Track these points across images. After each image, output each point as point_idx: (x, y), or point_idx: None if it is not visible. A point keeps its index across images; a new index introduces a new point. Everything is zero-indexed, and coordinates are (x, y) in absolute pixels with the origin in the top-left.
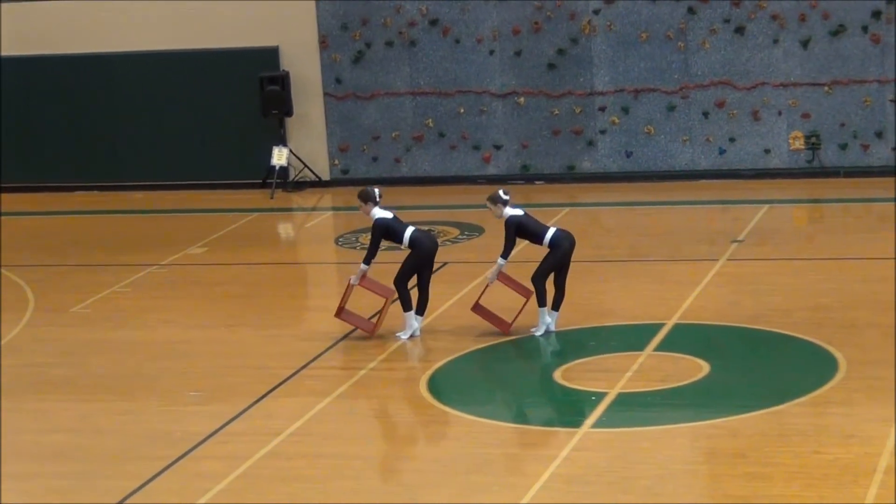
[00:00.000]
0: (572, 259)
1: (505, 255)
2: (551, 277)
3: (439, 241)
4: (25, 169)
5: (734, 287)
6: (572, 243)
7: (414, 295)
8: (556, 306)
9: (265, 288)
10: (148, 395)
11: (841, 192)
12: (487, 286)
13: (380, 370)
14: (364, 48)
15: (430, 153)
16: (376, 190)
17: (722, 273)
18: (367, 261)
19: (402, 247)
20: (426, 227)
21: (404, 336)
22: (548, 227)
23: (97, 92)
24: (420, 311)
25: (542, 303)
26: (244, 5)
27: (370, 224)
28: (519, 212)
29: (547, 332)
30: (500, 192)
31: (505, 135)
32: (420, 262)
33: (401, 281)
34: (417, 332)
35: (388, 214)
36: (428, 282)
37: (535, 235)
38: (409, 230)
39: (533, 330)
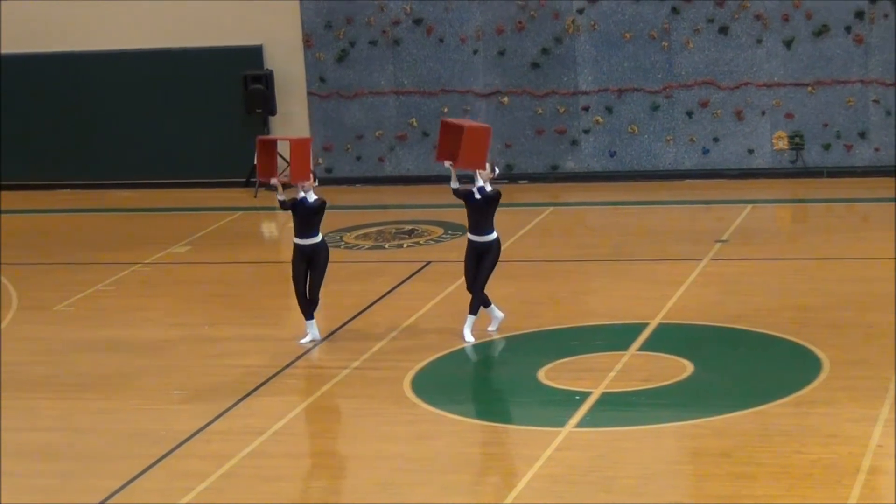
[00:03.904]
0: (558, 258)
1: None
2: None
3: (422, 240)
4: (8, 167)
5: (718, 287)
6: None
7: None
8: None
9: (249, 287)
10: (131, 393)
11: (824, 193)
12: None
13: (363, 369)
14: (348, 47)
15: (413, 152)
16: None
17: (706, 273)
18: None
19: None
20: (409, 227)
21: (305, 340)
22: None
23: (81, 90)
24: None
25: (488, 303)
26: (228, 4)
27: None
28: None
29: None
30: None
31: None
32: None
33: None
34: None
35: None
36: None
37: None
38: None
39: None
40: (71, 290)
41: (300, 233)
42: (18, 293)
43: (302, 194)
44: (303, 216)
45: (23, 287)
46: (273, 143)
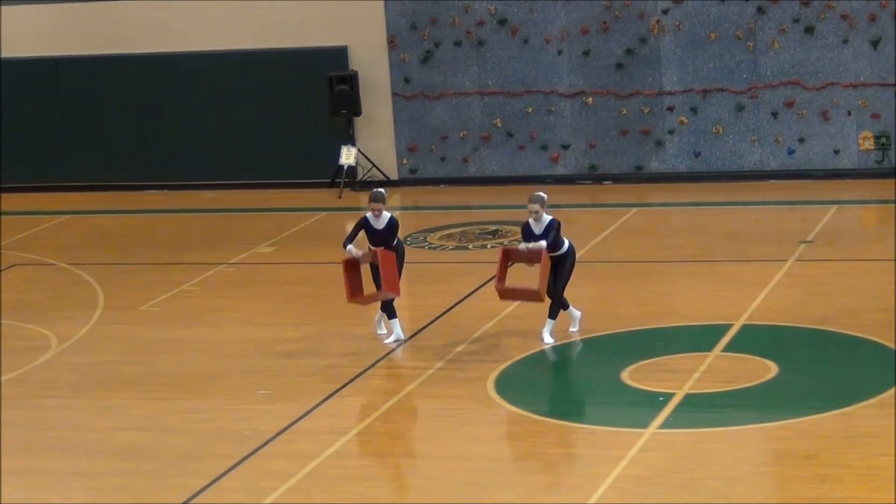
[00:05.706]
0: (642, 259)
1: (550, 249)
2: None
3: (506, 241)
4: (95, 168)
5: (803, 288)
6: None
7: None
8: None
9: (333, 287)
10: (216, 393)
11: None
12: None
13: (447, 370)
14: (432, 48)
15: (497, 153)
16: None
17: (790, 274)
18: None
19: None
20: (493, 228)
21: (389, 340)
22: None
23: (166, 92)
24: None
25: (566, 306)
26: (313, 5)
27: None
28: None
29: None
30: (545, 195)
31: (573, 135)
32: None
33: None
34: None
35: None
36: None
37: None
38: None
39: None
40: (156, 290)
41: (375, 245)
42: (105, 293)
43: (369, 214)
44: (375, 236)
45: (109, 287)
46: (357, 262)
